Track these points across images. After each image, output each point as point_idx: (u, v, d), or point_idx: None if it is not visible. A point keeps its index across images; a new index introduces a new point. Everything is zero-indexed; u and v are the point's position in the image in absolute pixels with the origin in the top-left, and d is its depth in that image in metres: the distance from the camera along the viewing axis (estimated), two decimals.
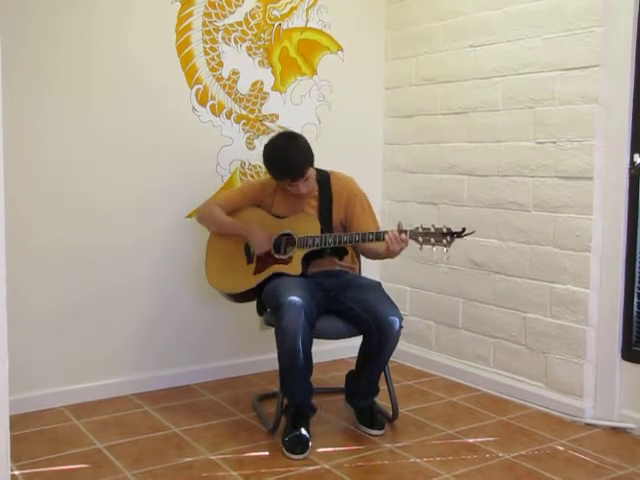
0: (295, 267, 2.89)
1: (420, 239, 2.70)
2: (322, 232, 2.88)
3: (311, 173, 2.89)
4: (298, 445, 2.66)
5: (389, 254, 2.79)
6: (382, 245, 2.77)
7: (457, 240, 2.67)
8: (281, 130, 3.47)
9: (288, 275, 2.88)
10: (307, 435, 2.71)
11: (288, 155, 2.85)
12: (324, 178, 2.99)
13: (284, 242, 2.95)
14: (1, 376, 1.83)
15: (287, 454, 2.64)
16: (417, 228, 2.72)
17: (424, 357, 3.81)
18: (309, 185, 2.91)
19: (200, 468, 2.55)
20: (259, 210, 3.04)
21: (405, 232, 2.71)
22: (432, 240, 2.68)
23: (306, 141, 2.92)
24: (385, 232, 2.74)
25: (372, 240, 2.78)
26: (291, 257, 2.91)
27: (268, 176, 3.03)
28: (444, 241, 2.66)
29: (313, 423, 2.83)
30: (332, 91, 3.82)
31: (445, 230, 2.67)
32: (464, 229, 2.67)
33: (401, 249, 2.75)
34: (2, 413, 1.87)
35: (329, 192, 2.97)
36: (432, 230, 2.69)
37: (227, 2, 3.44)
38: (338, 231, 2.96)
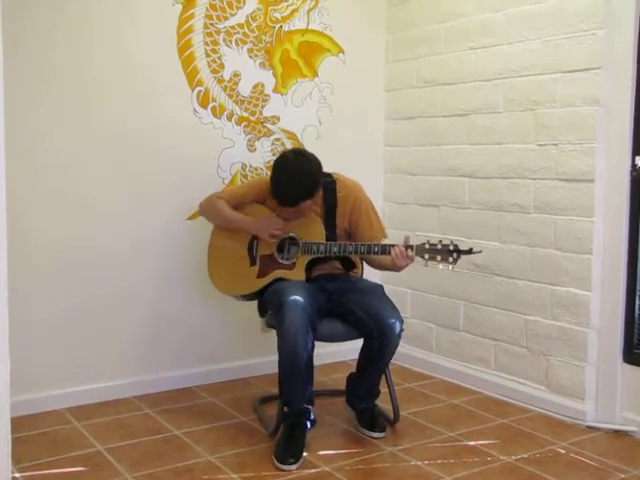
0: (299, 274, 2.88)
1: (426, 256, 2.69)
2: (327, 238, 2.87)
3: (307, 204, 2.81)
4: (289, 456, 2.60)
5: (394, 268, 2.79)
6: (388, 258, 2.76)
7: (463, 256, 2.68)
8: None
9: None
10: (301, 447, 2.66)
11: (288, 181, 2.77)
12: (329, 185, 2.94)
13: (288, 244, 2.94)
14: (2, 378, 1.83)
15: (277, 464, 2.58)
16: (424, 244, 2.70)
17: (425, 359, 3.81)
18: (298, 214, 2.87)
19: (201, 471, 2.55)
20: (263, 209, 3.02)
21: (411, 247, 2.70)
22: (438, 257, 2.67)
23: (313, 174, 2.80)
24: (391, 246, 2.73)
25: (377, 253, 2.77)
26: (294, 263, 2.90)
27: None
28: (450, 259, 2.66)
29: (313, 427, 2.80)
30: (333, 93, 3.82)
31: (452, 247, 2.66)
32: (471, 248, 2.68)
33: (407, 265, 2.74)
34: (3, 415, 1.87)
35: (334, 199, 2.94)
36: (439, 247, 2.68)
37: (228, 4, 3.44)
38: (342, 238, 2.94)
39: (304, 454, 2.65)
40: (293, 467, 2.57)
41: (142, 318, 3.36)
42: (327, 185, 2.94)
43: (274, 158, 2.93)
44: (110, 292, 3.25)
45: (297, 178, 2.76)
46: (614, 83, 2.92)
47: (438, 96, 3.69)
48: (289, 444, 2.64)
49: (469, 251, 2.67)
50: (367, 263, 3.07)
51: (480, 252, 2.78)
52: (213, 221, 3.11)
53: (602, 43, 2.92)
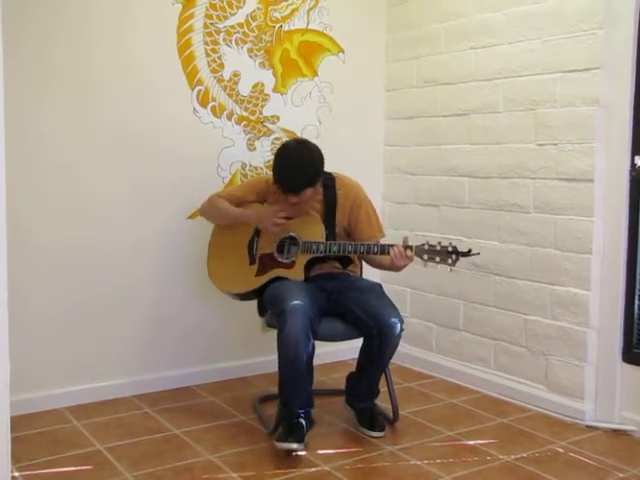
0: (298, 273, 2.89)
1: (425, 256, 2.70)
2: (326, 237, 2.88)
3: (308, 194, 2.83)
4: (290, 438, 2.62)
5: (393, 268, 2.80)
6: (387, 258, 2.77)
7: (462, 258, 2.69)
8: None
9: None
10: (302, 436, 2.66)
11: (289, 168, 2.80)
12: (329, 182, 2.96)
13: (287, 244, 2.95)
14: (2, 377, 1.83)
15: (279, 445, 2.59)
16: (423, 245, 2.72)
17: (425, 359, 3.81)
18: (302, 200, 2.86)
19: (201, 470, 2.55)
20: (263, 208, 3.03)
21: (410, 248, 2.71)
22: (437, 259, 2.68)
23: (314, 160, 2.84)
24: (390, 246, 2.74)
25: (376, 253, 2.78)
26: (294, 262, 2.91)
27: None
28: (449, 260, 2.67)
29: (312, 428, 2.80)
30: (333, 93, 3.82)
31: (451, 249, 2.67)
32: (470, 250, 2.69)
33: (405, 265, 2.75)
34: (3, 414, 1.87)
35: (333, 197, 2.96)
36: (438, 248, 2.69)
37: (228, 4, 3.44)
38: (341, 237, 2.95)
39: (304, 452, 2.65)
40: (294, 446, 2.59)
41: (142, 317, 3.36)
42: (327, 183, 2.96)
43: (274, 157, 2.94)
44: (110, 292, 3.25)
45: (299, 165, 2.79)
46: (614, 83, 2.92)
47: (438, 96, 3.69)
48: (289, 431, 2.65)
49: (468, 253, 2.68)
50: (366, 262, 3.08)
51: (478, 254, 2.78)
52: (215, 221, 3.11)
53: (602, 43, 2.92)
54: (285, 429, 2.68)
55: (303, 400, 2.73)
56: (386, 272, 3.46)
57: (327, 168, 2.98)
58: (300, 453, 2.65)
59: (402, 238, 2.76)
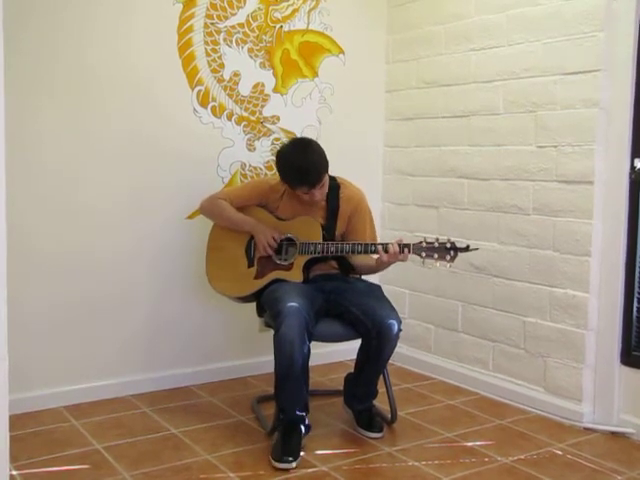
0: (296, 275, 2.89)
1: (423, 254, 2.70)
2: (324, 238, 2.88)
3: (326, 179, 2.87)
4: (287, 455, 2.58)
5: (379, 267, 2.84)
6: (371, 259, 2.79)
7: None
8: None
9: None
10: (298, 447, 2.64)
11: (305, 163, 2.79)
12: (333, 188, 2.96)
13: (285, 245, 2.95)
14: (1, 376, 1.83)
15: (275, 464, 2.56)
16: (421, 242, 2.71)
17: (423, 360, 3.81)
18: (324, 192, 2.89)
19: (198, 469, 2.55)
20: (263, 211, 3.03)
21: (407, 246, 2.71)
22: (435, 255, 2.68)
23: (319, 146, 2.88)
24: (388, 244, 2.74)
25: (374, 252, 2.78)
26: (292, 264, 2.91)
27: (276, 179, 3.03)
28: (447, 257, 2.67)
29: (308, 433, 2.78)
30: (333, 93, 3.82)
31: (449, 245, 2.67)
32: (468, 246, 2.68)
33: (393, 262, 2.77)
34: (1, 413, 1.86)
35: (336, 203, 2.96)
36: (436, 245, 2.69)
37: (229, 3, 3.44)
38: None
39: (301, 454, 2.65)
40: (293, 465, 2.56)
41: (141, 317, 3.36)
42: (331, 188, 2.96)
43: (273, 158, 2.93)
44: (109, 291, 3.25)
45: (309, 159, 2.79)
46: (614, 85, 2.92)
47: (438, 97, 3.69)
48: (285, 446, 2.62)
49: (466, 248, 2.68)
50: (354, 271, 3.05)
51: (477, 249, 2.78)
52: (215, 221, 3.11)
53: (602, 45, 2.92)
54: (281, 440, 2.65)
55: (298, 403, 2.71)
56: (385, 273, 3.45)
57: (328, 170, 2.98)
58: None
59: (396, 239, 2.76)
